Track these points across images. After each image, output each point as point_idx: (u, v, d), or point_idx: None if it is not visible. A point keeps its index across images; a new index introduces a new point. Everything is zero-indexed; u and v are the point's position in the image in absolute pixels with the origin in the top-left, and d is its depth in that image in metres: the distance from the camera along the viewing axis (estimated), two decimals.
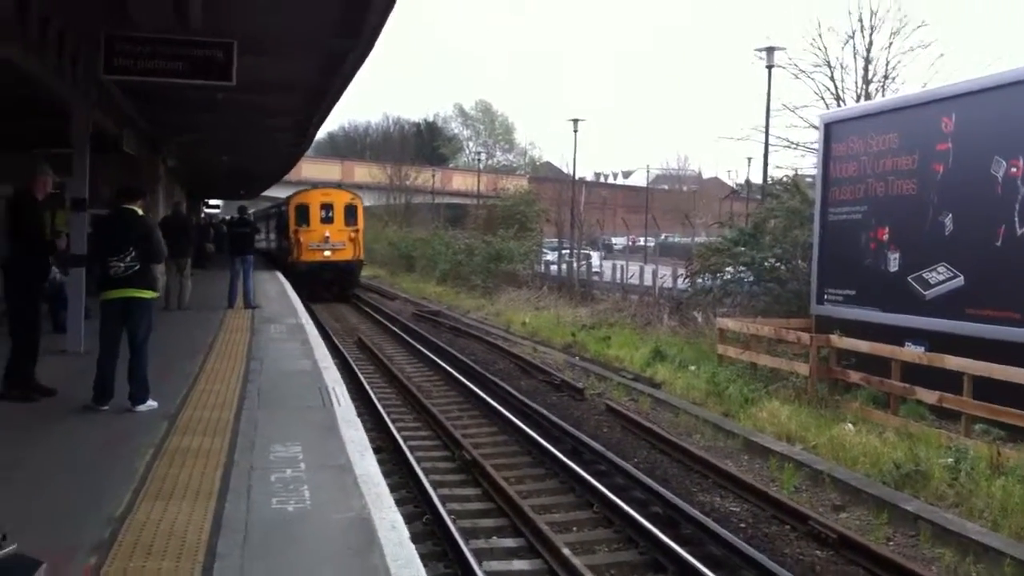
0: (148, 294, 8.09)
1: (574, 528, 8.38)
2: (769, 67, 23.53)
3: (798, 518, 8.34)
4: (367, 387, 13.97)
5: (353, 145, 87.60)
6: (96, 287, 8.41)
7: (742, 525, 8.43)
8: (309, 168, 51.93)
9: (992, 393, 10.24)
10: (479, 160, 73.62)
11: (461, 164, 79.57)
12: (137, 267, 7.90)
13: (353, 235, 30.76)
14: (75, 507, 5.29)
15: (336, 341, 19.27)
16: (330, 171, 59.91)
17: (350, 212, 31.11)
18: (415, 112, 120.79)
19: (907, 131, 13.23)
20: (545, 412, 12.66)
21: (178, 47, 9.67)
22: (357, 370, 15.71)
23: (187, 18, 8.76)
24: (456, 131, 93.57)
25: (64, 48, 10.01)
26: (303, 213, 30.72)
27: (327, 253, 30.30)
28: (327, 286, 29.91)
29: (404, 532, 5.10)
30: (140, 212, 8.27)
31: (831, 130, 15.22)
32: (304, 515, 5.27)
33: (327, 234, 30.38)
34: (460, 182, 65.99)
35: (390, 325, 23.35)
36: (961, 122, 12.17)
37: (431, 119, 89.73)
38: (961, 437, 10.04)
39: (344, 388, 9.44)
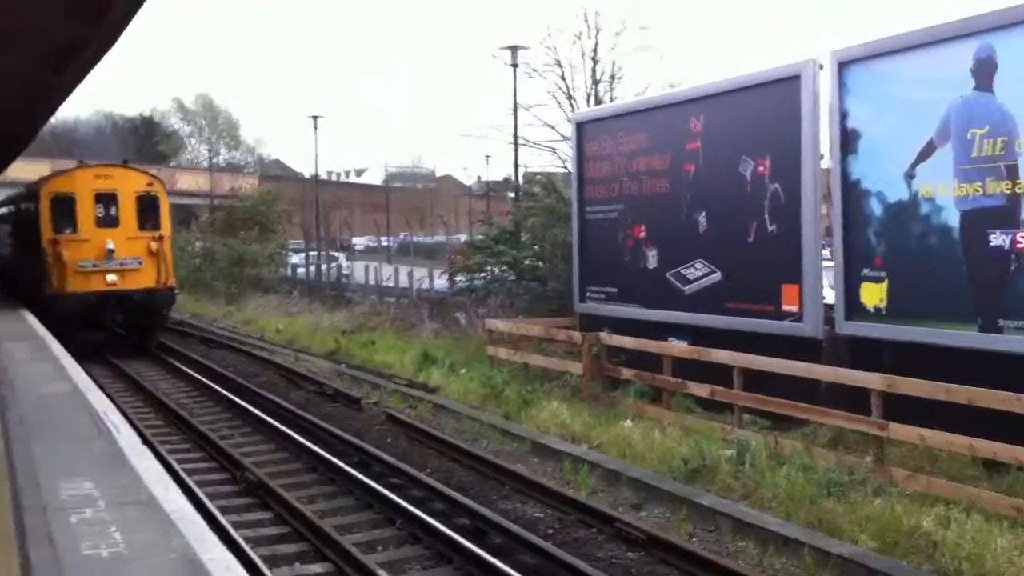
0: None
1: (379, 547, 8.02)
2: (513, 66, 23.90)
3: (603, 520, 8.42)
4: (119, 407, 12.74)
5: (60, 142, 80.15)
6: None
7: (550, 531, 8.39)
8: (15, 168, 46.82)
9: (752, 384, 10.89)
10: (209, 158, 69.80)
11: (184, 162, 74.82)
12: None
13: (156, 245, 19.26)
14: None
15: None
16: (39, 170, 54.37)
17: (148, 207, 19.43)
18: (130, 107, 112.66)
19: (657, 131, 13.75)
20: (324, 424, 12.15)
21: None
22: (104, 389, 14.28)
23: None
24: (176, 127, 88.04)
25: None
26: (66, 209, 18.80)
27: (112, 278, 18.73)
28: (112, 332, 19.04)
29: (240, 571, 4.67)
30: None
31: (583, 130, 15.63)
32: (122, 560, 4.69)
33: (111, 244, 18.71)
34: (188, 182, 62.24)
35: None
36: (709, 123, 12.79)
37: (148, 114, 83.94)
38: (735, 429, 10.59)
39: (118, 413, 8.54)
